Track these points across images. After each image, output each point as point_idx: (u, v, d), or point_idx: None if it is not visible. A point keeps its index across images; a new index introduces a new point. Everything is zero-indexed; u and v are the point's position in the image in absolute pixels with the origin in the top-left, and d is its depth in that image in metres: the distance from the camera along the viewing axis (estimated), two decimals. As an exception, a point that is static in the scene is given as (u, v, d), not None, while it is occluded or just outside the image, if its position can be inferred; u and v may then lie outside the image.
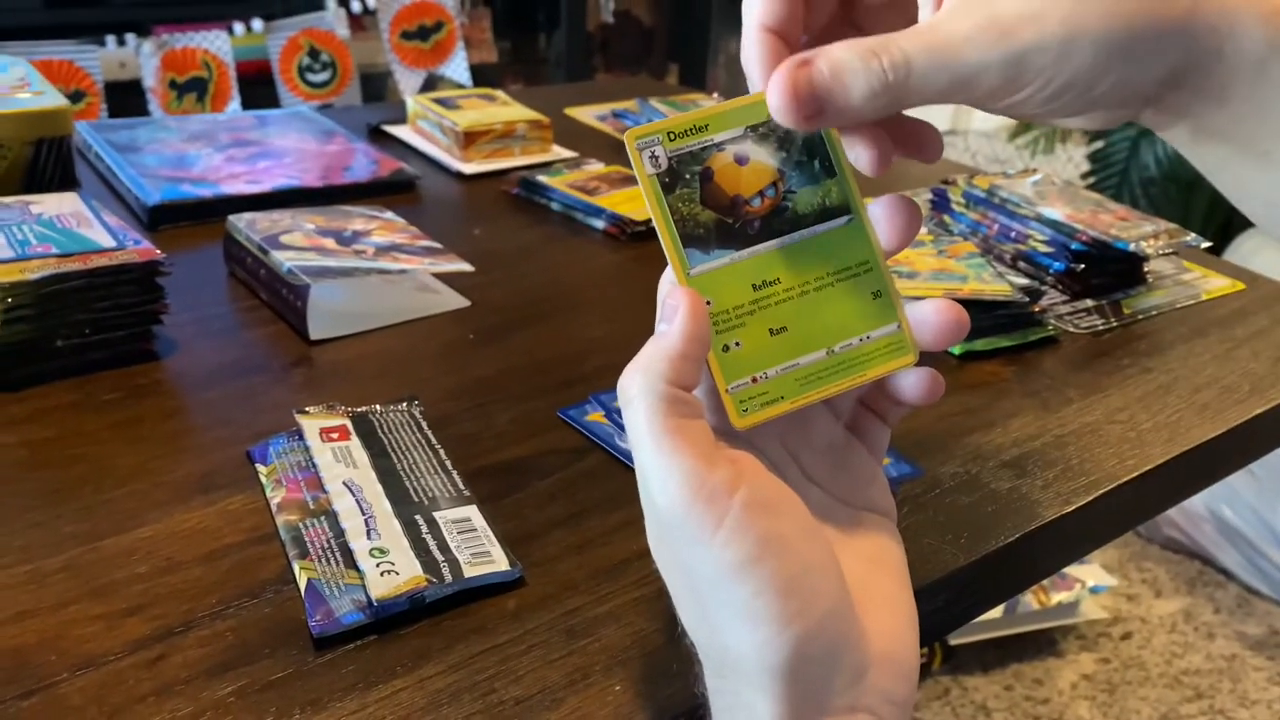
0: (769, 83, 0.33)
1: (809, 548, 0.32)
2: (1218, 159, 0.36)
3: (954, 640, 1.51)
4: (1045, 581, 1.53)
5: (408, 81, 2.19)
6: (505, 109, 1.06)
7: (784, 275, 0.36)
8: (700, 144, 0.36)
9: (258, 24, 2.05)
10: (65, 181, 0.77)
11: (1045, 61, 0.32)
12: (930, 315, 0.36)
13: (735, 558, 0.31)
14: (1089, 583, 1.54)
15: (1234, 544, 1.67)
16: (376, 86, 2.30)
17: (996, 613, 1.50)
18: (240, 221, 0.72)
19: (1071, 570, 1.56)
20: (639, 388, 0.33)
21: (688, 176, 0.35)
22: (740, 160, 0.36)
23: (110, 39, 1.95)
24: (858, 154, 0.35)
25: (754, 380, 0.36)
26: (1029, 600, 1.52)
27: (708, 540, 0.31)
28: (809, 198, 0.36)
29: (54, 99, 0.77)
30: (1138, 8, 0.32)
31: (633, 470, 0.52)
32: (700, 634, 0.34)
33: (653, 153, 0.35)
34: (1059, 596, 1.52)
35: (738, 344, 0.35)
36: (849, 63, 0.32)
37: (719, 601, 0.31)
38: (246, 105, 2.03)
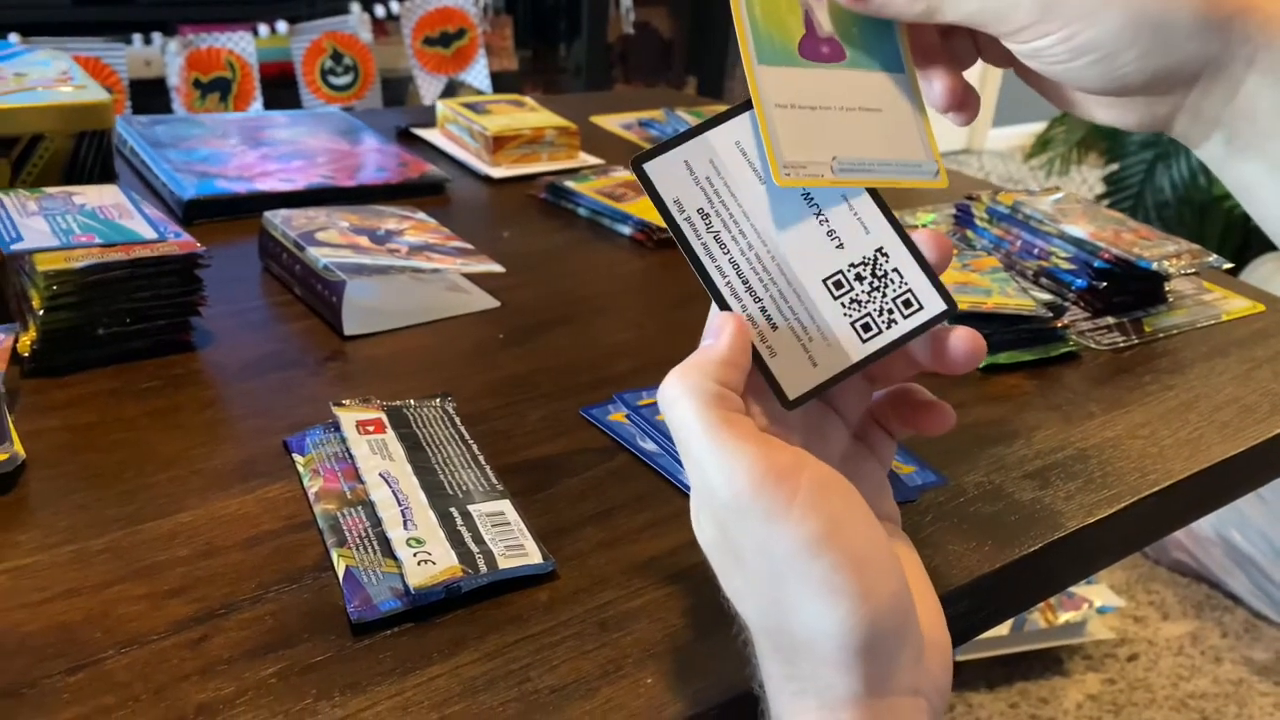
0: None
1: (872, 529, 0.33)
2: (1250, 178, 0.37)
3: (960, 657, 1.51)
4: (1053, 600, 1.53)
5: (429, 87, 2.20)
6: (534, 115, 1.07)
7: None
8: None
9: (282, 26, 2.07)
10: (104, 174, 0.78)
11: (1074, 11, 0.35)
12: (955, 343, 0.38)
13: (811, 532, 0.31)
14: (1096, 603, 1.54)
15: (1243, 568, 1.67)
16: (397, 91, 2.32)
17: (1003, 630, 1.51)
18: (276, 218, 0.73)
19: (1079, 590, 1.56)
20: (686, 385, 0.34)
21: None
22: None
23: (137, 37, 1.96)
24: (933, 87, 0.40)
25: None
26: (1036, 619, 1.52)
27: (782, 517, 0.31)
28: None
29: (96, 93, 0.78)
30: None
31: (658, 472, 0.54)
32: (769, 620, 0.34)
33: None
34: (1066, 616, 1.52)
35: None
36: None
37: (795, 580, 0.32)
38: (268, 106, 2.04)
